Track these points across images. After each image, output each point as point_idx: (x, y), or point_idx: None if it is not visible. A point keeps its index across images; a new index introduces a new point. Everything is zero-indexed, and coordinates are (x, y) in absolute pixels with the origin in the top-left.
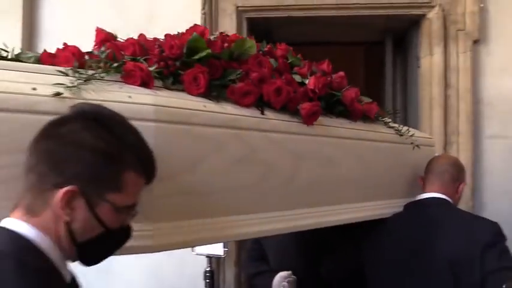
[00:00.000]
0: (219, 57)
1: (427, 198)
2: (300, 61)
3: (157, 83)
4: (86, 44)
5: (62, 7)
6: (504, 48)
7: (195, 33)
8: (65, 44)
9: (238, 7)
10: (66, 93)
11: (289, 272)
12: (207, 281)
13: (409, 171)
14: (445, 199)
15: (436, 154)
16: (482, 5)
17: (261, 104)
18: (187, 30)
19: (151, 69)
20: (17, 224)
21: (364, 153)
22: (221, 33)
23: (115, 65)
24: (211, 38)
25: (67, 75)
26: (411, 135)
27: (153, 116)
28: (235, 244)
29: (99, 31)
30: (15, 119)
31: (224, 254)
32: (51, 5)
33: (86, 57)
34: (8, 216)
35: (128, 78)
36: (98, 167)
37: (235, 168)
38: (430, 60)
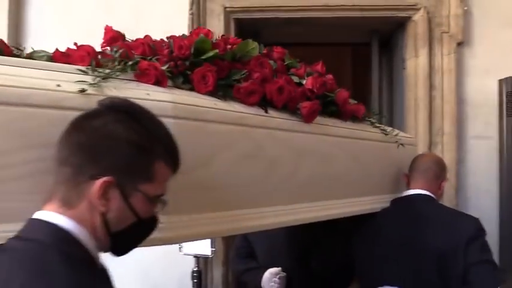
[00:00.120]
0: (223, 58)
1: (413, 194)
2: (296, 63)
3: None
4: (73, 44)
5: (49, 6)
6: (487, 50)
7: (201, 35)
8: (75, 43)
9: (226, 8)
10: (89, 90)
11: (279, 268)
12: (195, 281)
13: (393, 168)
14: (429, 195)
15: (420, 152)
16: (466, 8)
17: (264, 103)
18: (191, 32)
19: (163, 68)
20: (54, 217)
21: (356, 151)
22: (223, 35)
23: (130, 63)
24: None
25: (86, 73)
26: (395, 135)
27: (171, 113)
28: (222, 244)
29: (108, 29)
30: (42, 115)
31: (211, 254)
32: (38, 4)
33: (99, 56)
34: (36, 209)
35: (142, 76)
36: (132, 158)
37: (243, 163)
38: (415, 62)
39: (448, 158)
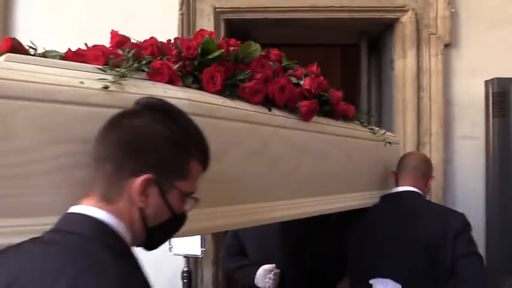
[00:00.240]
0: (227, 59)
1: (402, 191)
2: (293, 64)
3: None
4: (62, 43)
5: (37, 6)
6: (474, 52)
7: (207, 36)
8: (85, 44)
9: (215, 8)
10: (111, 88)
11: (273, 264)
12: (185, 281)
13: (381, 166)
14: (418, 192)
15: (405, 151)
16: (453, 10)
17: (266, 102)
18: (195, 33)
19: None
20: (94, 211)
21: (349, 149)
22: (224, 38)
23: (144, 62)
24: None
25: (105, 71)
26: (383, 134)
27: (188, 110)
28: (212, 244)
29: (114, 34)
30: (68, 111)
31: (201, 253)
32: (26, 5)
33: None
34: (64, 203)
35: (155, 75)
36: (170, 156)
37: (250, 159)
38: (403, 63)
39: (436, 158)
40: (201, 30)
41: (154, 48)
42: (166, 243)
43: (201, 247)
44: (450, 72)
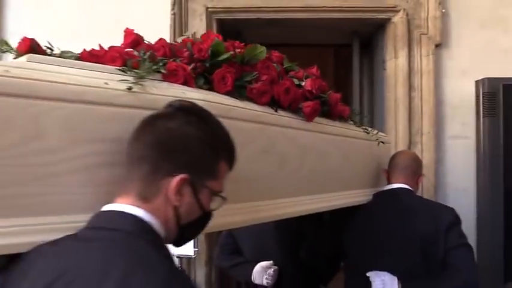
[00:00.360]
0: (235, 61)
1: (396, 188)
2: (295, 66)
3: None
4: (53, 43)
5: (27, 8)
6: (464, 52)
7: (216, 39)
8: (99, 45)
9: (208, 8)
10: (134, 89)
11: (271, 261)
12: None
13: (374, 164)
14: (409, 189)
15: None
16: (444, 10)
17: (272, 102)
18: (202, 36)
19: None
20: (132, 209)
21: (346, 149)
22: (229, 40)
23: (161, 64)
24: (180, 39)
25: (125, 73)
26: (376, 133)
27: None
28: (205, 244)
29: (129, 32)
30: (95, 111)
31: (194, 254)
32: (16, 6)
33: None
34: (90, 201)
35: (171, 77)
36: (203, 157)
37: (260, 158)
38: (395, 63)
39: (427, 158)
40: (209, 32)
41: (166, 50)
42: None
43: (194, 247)
44: (441, 72)
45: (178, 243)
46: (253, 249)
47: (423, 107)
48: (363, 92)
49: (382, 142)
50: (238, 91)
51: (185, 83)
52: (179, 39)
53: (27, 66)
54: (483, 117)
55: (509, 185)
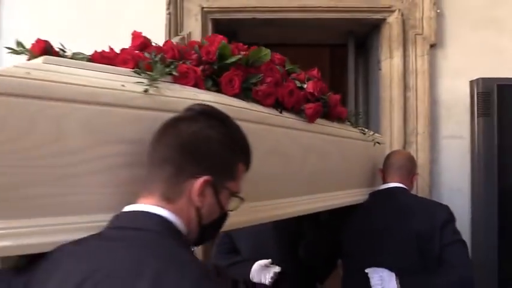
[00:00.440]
0: (241, 64)
1: (392, 187)
2: (296, 68)
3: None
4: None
5: (21, 7)
6: (459, 52)
7: (223, 42)
8: (109, 46)
9: (203, 8)
10: (150, 91)
11: (269, 260)
12: None
13: (370, 164)
14: (405, 188)
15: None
16: (438, 11)
17: (276, 104)
18: (208, 38)
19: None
20: (157, 210)
21: (345, 149)
22: (234, 43)
23: (172, 66)
24: (177, 39)
25: (139, 75)
26: (372, 134)
27: None
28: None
29: (137, 35)
30: (113, 113)
31: None
32: (9, 5)
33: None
34: (112, 201)
35: (182, 79)
36: (224, 159)
37: (267, 159)
38: (390, 63)
39: (422, 157)
40: (214, 35)
41: (175, 52)
42: None
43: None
44: (436, 73)
45: (198, 243)
46: (252, 248)
47: (418, 107)
48: (358, 91)
49: (378, 143)
50: (244, 93)
51: (196, 85)
52: (174, 39)
53: (45, 68)
54: (477, 117)
55: (504, 185)
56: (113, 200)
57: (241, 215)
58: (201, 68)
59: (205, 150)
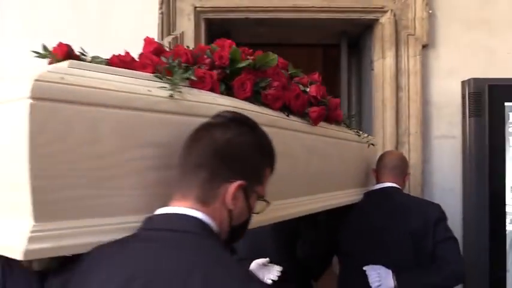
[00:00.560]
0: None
1: (386, 187)
2: (299, 72)
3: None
4: (38, 42)
5: (12, 6)
6: (451, 52)
7: (234, 46)
8: (126, 51)
9: (196, 7)
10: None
11: (267, 259)
12: None
13: (364, 164)
14: (398, 187)
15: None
16: (430, 11)
17: (283, 108)
18: (216, 42)
19: None
20: (193, 212)
21: (343, 150)
22: (241, 47)
23: (190, 71)
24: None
25: (161, 79)
26: (367, 136)
27: None
28: None
29: (149, 41)
30: (142, 117)
31: None
32: (2, 5)
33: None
34: (141, 203)
35: (199, 83)
36: (255, 164)
37: (277, 160)
38: (382, 63)
39: (415, 157)
40: (221, 39)
41: (189, 57)
42: None
43: None
44: (428, 73)
45: (227, 244)
46: (249, 248)
47: (410, 107)
48: (351, 91)
49: (372, 144)
50: (254, 97)
51: (212, 89)
52: (167, 39)
53: (75, 73)
54: (469, 117)
55: (495, 185)
56: (141, 202)
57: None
58: (216, 72)
59: (239, 156)
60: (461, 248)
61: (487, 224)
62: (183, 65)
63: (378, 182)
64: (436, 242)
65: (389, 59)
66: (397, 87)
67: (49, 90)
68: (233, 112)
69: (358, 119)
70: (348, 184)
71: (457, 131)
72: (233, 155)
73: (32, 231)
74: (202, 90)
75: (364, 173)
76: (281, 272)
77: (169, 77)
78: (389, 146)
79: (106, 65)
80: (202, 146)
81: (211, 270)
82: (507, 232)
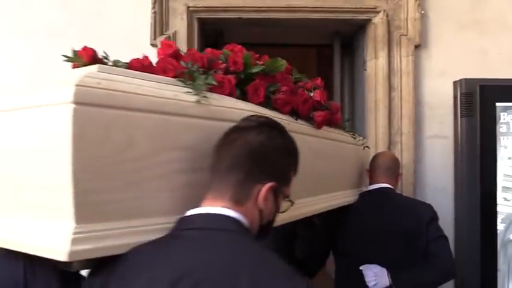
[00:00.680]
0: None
1: (381, 187)
2: (304, 77)
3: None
4: (31, 42)
5: (5, 7)
6: (443, 53)
7: (246, 52)
8: (144, 55)
9: (189, 7)
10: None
11: None
12: None
13: (358, 166)
14: (392, 188)
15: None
16: (423, 12)
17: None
18: (226, 47)
19: None
20: (229, 212)
21: (342, 152)
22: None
23: (210, 77)
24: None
25: (184, 84)
26: (362, 138)
27: None
28: None
29: (165, 44)
30: (171, 121)
31: None
32: None
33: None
34: (172, 204)
35: (218, 88)
36: (284, 166)
37: None
38: (375, 63)
39: (407, 157)
40: (232, 44)
41: (204, 62)
42: None
43: None
44: (420, 73)
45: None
46: None
47: (403, 107)
48: (344, 91)
49: (367, 147)
50: (266, 101)
51: (230, 94)
52: (160, 38)
53: (108, 77)
54: (461, 117)
55: (487, 185)
56: (171, 204)
57: None
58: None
59: (270, 158)
60: (453, 247)
61: (478, 223)
62: (201, 70)
63: (371, 183)
64: (428, 241)
65: (382, 59)
66: (390, 87)
67: (89, 95)
68: (263, 117)
69: (351, 118)
70: (346, 185)
71: (449, 131)
72: (265, 157)
73: (75, 233)
74: (222, 95)
75: (359, 173)
76: None
77: (191, 82)
78: (381, 146)
79: (125, 68)
80: (236, 149)
81: (257, 269)
82: (498, 231)
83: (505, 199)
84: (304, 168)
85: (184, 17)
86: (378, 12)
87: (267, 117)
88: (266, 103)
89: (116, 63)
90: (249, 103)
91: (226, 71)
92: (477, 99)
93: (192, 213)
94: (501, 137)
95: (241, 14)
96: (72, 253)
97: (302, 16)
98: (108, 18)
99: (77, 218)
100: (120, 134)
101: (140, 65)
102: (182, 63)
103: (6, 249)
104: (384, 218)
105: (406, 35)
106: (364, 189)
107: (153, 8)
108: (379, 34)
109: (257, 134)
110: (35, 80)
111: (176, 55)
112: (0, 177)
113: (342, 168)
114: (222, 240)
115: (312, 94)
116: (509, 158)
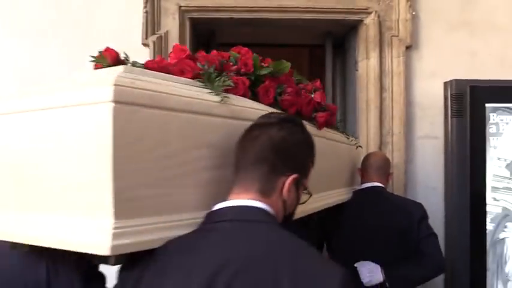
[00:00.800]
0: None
1: (373, 186)
2: (305, 79)
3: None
4: (22, 42)
5: None
6: (433, 54)
7: (255, 54)
8: (159, 56)
9: (180, 7)
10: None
11: None
12: None
13: (351, 165)
14: (383, 187)
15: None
16: (414, 13)
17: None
18: (233, 49)
19: None
20: (258, 203)
21: (338, 152)
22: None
23: (226, 78)
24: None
25: (204, 84)
26: (356, 138)
27: None
28: None
29: (178, 48)
30: (199, 120)
31: None
32: None
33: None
34: (199, 200)
35: (232, 89)
36: (304, 159)
37: None
38: (366, 64)
39: (398, 157)
40: (239, 46)
41: (217, 64)
42: None
43: None
44: (411, 74)
45: None
46: None
47: (394, 107)
48: (335, 91)
49: (360, 146)
50: (275, 102)
51: (243, 95)
52: (151, 38)
53: (137, 77)
54: (451, 118)
55: (476, 185)
56: (200, 199)
57: None
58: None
59: (292, 152)
60: (442, 246)
61: (468, 222)
62: (216, 71)
63: (363, 181)
64: (419, 239)
65: (374, 60)
66: (381, 88)
67: (127, 94)
68: (282, 113)
69: (343, 118)
70: (342, 183)
71: (440, 132)
72: (288, 151)
73: (115, 228)
74: (238, 96)
75: (352, 172)
76: None
77: (209, 83)
78: (373, 146)
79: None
80: (260, 143)
81: (295, 259)
82: (487, 231)
83: (495, 199)
84: None
85: (176, 16)
86: (370, 13)
87: (286, 114)
88: (275, 104)
89: (134, 65)
90: (261, 104)
91: (237, 73)
92: (467, 100)
93: (223, 206)
94: (491, 138)
95: (233, 14)
96: (113, 247)
97: (294, 16)
98: (100, 17)
99: (116, 214)
100: (155, 132)
101: (157, 66)
102: (199, 64)
103: (28, 249)
104: (378, 216)
105: (397, 36)
106: (357, 187)
107: (145, 7)
108: (370, 35)
109: (279, 130)
110: (27, 80)
111: (192, 58)
112: (36, 175)
113: (337, 167)
114: (257, 231)
115: (312, 95)
116: (499, 159)
